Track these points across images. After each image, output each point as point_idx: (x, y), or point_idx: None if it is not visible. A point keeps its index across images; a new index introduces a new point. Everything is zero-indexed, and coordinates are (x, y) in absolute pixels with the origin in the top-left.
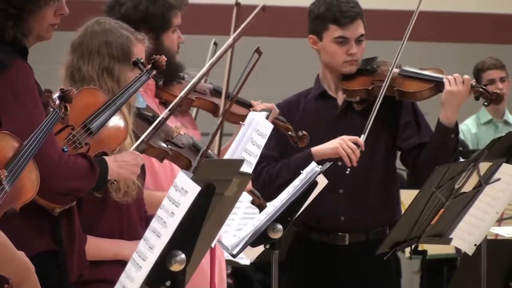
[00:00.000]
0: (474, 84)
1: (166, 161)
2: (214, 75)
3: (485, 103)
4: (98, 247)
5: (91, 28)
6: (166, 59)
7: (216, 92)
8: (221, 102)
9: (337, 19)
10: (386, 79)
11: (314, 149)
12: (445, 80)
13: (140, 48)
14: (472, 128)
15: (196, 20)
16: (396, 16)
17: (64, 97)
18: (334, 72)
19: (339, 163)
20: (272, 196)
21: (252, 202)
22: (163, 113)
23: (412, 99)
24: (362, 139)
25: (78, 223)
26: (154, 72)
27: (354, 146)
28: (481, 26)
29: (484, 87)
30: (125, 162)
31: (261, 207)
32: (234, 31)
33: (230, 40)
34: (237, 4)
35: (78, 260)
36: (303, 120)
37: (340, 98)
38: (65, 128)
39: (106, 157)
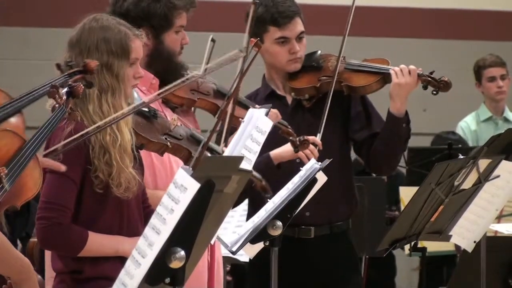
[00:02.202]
0: (421, 73)
1: (166, 159)
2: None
3: (434, 92)
4: (98, 243)
5: (89, 24)
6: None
7: (219, 94)
8: (223, 103)
9: (275, 20)
10: (333, 76)
11: (273, 153)
12: (391, 72)
13: (138, 43)
14: (471, 125)
15: (193, 16)
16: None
17: (72, 93)
18: (280, 71)
19: (297, 161)
20: (235, 203)
21: (254, 186)
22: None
23: (361, 93)
24: (318, 138)
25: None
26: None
27: (311, 147)
28: (482, 23)
29: (431, 75)
30: None
31: (264, 190)
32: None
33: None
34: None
35: None
36: None
37: (289, 96)
38: None
39: None
